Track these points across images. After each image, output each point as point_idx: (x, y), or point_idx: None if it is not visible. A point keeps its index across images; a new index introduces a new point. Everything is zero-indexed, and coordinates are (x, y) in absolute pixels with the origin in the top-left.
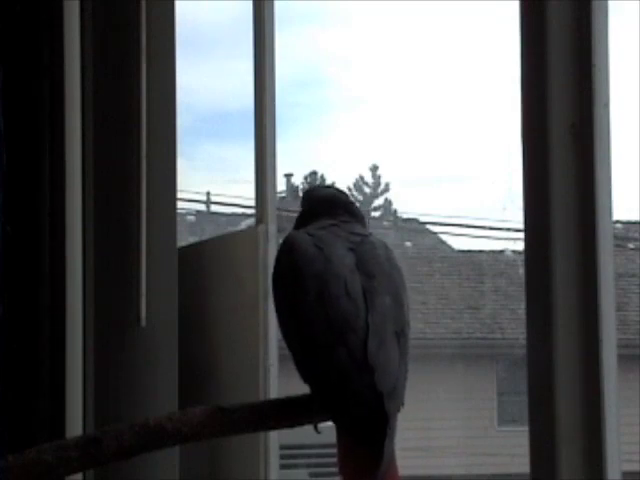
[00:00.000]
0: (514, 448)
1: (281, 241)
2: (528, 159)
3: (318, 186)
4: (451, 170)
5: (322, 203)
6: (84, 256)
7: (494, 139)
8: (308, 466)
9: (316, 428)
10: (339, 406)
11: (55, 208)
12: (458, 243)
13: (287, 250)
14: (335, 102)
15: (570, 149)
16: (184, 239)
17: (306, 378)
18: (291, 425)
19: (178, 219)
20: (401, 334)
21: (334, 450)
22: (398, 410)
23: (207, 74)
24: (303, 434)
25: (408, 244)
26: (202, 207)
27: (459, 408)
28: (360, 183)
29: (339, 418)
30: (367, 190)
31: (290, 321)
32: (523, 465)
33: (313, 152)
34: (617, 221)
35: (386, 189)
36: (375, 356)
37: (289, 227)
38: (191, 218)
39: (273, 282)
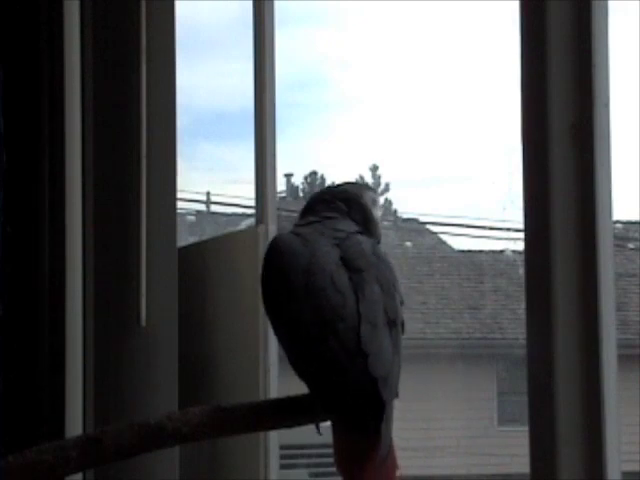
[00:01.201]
0: (514, 448)
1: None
2: (528, 159)
3: (338, 183)
4: (451, 170)
5: (311, 201)
6: (84, 256)
7: (494, 139)
8: (308, 466)
9: (318, 429)
10: (334, 395)
11: (55, 208)
12: (458, 243)
13: (272, 251)
14: (335, 102)
15: (570, 149)
16: (184, 239)
17: (301, 373)
18: (291, 425)
19: (178, 219)
20: (393, 324)
21: None
22: (392, 398)
23: (207, 74)
24: (303, 434)
25: (408, 244)
26: (202, 207)
27: (459, 408)
28: None
29: (335, 408)
30: None
31: (281, 319)
32: (523, 465)
33: (313, 152)
34: (617, 221)
35: (386, 189)
36: (368, 342)
37: (289, 227)
38: (191, 218)
39: (262, 284)
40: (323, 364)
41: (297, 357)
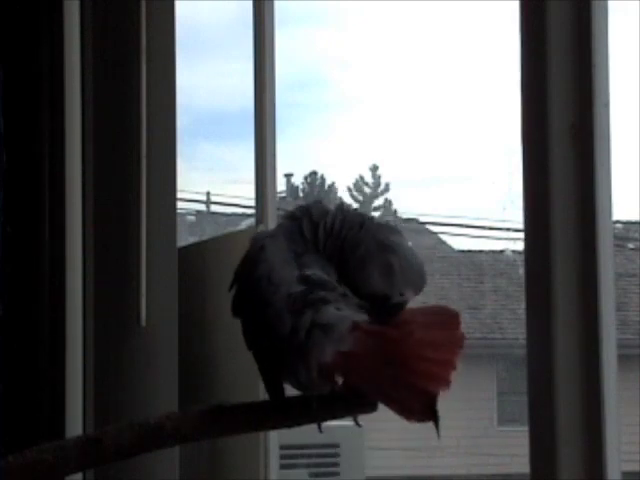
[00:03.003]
0: (514, 448)
1: None
2: (528, 159)
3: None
4: (451, 170)
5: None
6: (84, 256)
7: (494, 139)
8: (308, 466)
9: (319, 427)
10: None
11: (55, 208)
12: (458, 243)
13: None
14: (335, 102)
15: (570, 149)
16: (184, 239)
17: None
18: (291, 425)
19: (178, 219)
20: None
21: (334, 450)
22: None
23: (207, 74)
24: (303, 434)
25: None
26: (202, 207)
27: (459, 408)
28: (360, 183)
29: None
30: (367, 190)
31: (236, 311)
32: (523, 465)
33: (313, 152)
34: (617, 221)
35: (386, 189)
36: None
37: None
38: (191, 218)
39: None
40: (261, 355)
41: (250, 349)
